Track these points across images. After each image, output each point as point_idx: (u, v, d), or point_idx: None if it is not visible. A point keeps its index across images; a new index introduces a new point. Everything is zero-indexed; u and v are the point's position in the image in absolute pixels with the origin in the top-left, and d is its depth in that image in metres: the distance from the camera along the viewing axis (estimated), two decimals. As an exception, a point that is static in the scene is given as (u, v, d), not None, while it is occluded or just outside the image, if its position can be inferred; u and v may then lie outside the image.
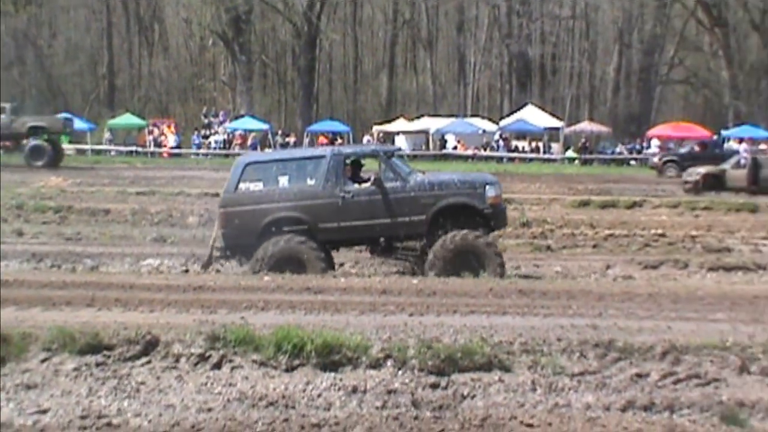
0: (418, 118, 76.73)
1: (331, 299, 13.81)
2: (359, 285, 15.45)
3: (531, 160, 65.25)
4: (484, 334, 10.98)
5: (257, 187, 18.13)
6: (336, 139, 70.40)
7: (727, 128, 69.95)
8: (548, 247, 23.72)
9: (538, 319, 12.28)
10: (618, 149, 69.10)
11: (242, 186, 18.17)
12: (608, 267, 20.05)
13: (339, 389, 9.68)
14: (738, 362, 10.14)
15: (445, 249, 17.40)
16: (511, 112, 76.15)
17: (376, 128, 73.83)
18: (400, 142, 70.59)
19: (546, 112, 74.26)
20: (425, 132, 71.32)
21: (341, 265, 19.40)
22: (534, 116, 71.04)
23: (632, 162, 66.64)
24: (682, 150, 56.91)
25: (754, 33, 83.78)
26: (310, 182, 18.13)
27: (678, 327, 11.62)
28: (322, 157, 18.53)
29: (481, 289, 14.88)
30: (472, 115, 78.88)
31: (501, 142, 68.08)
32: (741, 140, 63.98)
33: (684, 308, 13.33)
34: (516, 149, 68.20)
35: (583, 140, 69.75)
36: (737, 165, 41.07)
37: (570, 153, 67.79)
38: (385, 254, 19.30)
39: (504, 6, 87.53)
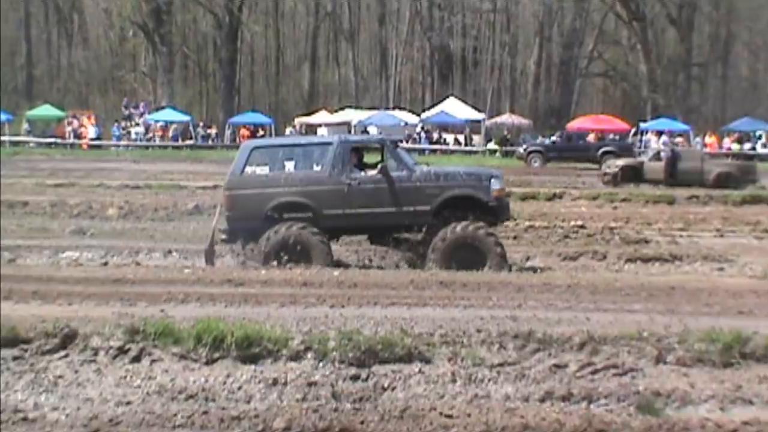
0: (340, 110, 76.70)
1: (251, 291, 13.75)
2: (280, 277, 15.39)
3: (453, 152, 65.41)
4: (404, 326, 11.00)
5: (263, 171, 18.12)
6: (258, 131, 70.09)
7: (645, 121, 70.84)
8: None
9: (459, 311, 12.32)
10: (539, 141, 69.56)
11: (248, 169, 18.15)
12: (528, 258, 20.17)
13: (259, 382, 9.65)
14: (654, 352, 10.26)
15: (447, 240, 17.43)
16: (433, 105, 76.51)
17: (298, 120, 73.71)
18: (322, 133, 70.52)
19: (467, 104, 74.70)
20: (347, 124, 71.17)
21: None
22: (455, 108, 71.39)
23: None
24: (546, 141, 58.77)
25: (671, 27, 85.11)
26: (317, 168, 18.18)
27: (596, 318, 11.73)
28: (329, 143, 18.64)
29: (402, 281, 14.92)
30: (394, 108, 79.02)
31: (423, 134, 68.22)
32: (660, 133, 64.91)
33: (602, 299, 13.46)
34: (439, 141, 68.35)
35: (504, 132, 70.18)
36: (655, 157, 41.61)
37: (491, 145, 68.13)
38: (385, 243, 19.33)
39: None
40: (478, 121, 70.34)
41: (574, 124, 69.80)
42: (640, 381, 9.74)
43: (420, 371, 9.91)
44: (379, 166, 18.38)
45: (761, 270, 17.61)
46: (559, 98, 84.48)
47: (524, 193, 32.97)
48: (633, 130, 66.85)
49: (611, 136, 63.36)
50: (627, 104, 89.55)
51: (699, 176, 38.38)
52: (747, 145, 65.87)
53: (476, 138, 69.46)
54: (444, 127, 69.85)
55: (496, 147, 67.19)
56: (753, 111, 79.41)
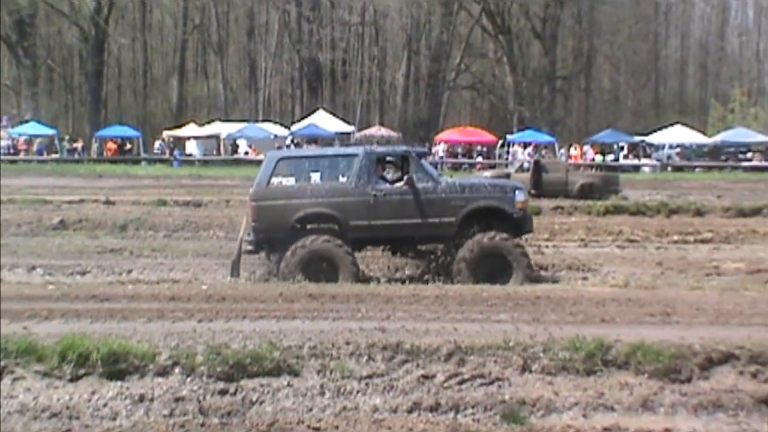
0: (209, 123, 75.98)
1: (118, 307, 13.53)
2: (147, 292, 15.18)
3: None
4: (273, 339, 10.95)
5: (289, 182, 18.27)
6: (125, 145, 69.11)
7: (511, 133, 71.89)
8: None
9: (328, 323, 12.30)
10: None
11: (274, 180, 18.27)
12: (397, 270, 20.26)
13: (125, 398, 9.52)
14: (520, 361, 10.40)
15: (475, 250, 17.66)
16: (303, 117, 76.37)
17: (166, 133, 72.77)
18: (191, 147, 69.90)
19: (337, 117, 74.83)
20: (216, 137, 70.65)
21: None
22: (325, 121, 71.44)
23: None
24: None
25: (536, 41, 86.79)
26: (342, 179, 18.35)
27: (463, 328, 11.81)
28: (355, 155, 18.70)
29: (271, 294, 14.85)
30: (264, 120, 78.64)
31: (293, 147, 68.05)
32: (525, 145, 65.98)
33: (469, 310, 13.56)
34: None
35: (375, 144, 70.34)
36: (521, 169, 42.25)
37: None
38: (406, 254, 19.71)
39: (294, 12, 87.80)
40: (348, 134, 70.45)
41: (443, 136, 70.48)
42: (506, 390, 9.88)
43: (288, 384, 9.89)
44: (406, 177, 18.49)
45: (623, 279, 17.99)
46: (427, 110, 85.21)
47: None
48: (500, 142, 67.80)
49: (479, 147, 64.20)
50: (494, 116, 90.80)
51: (563, 187, 39.08)
52: (610, 157, 67.36)
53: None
54: (314, 140, 69.83)
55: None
56: (615, 123, 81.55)
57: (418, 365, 10.36)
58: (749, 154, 67.90)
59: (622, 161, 66.89)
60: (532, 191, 38.33)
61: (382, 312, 13.21)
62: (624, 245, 24.92)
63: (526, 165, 43.11)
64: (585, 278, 19.55)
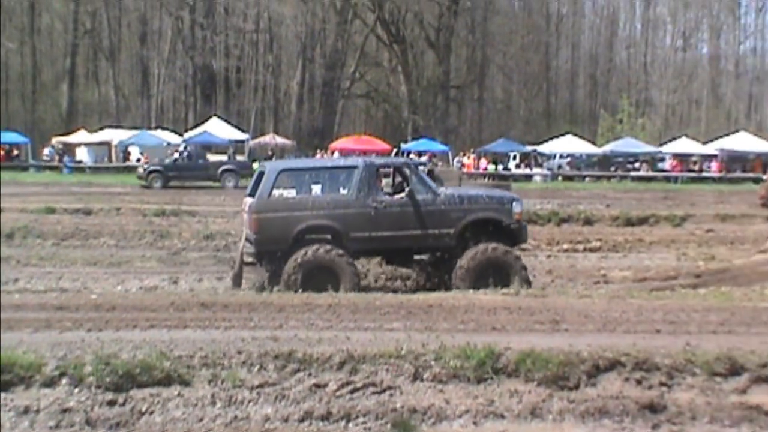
0: (100, 129, 74.94)
1: (3, 317, 13.23)
2: (34, 301, 14.92)
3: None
4: (163, 349, 10.81)
5: (290, 194, 18.35)
6: (12, 151, 67.81)
7: (406, 141, 72.29)
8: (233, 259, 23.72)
9: (219, 332, 12.20)
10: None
11: (275, 192, 18.31)
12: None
13: (9, 410, 9.32)
14: (412, 370, 10.44)
15: (476, 261, 17.96)
16: (196, 125, 75.81)
17: (56, 139, 71.58)
18: (82, 154, 68.85)
19: (231, 124, 74.41)
20: (108, 144, 69.74)
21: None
22: (219, 129, 71.01)
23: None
24: (167, 161, 55.10)
25: (430, 50, 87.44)
26: (343, 191, 18.47)
27: (356, 337, 11.81)
28: (355, 167, 18.78)
29: (162, 303, 14.70)
30: (157, 127, 77.85)
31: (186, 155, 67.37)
32: (420, 153, 66.35)
33: (362, 318, 13.57)
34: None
35: (269, 153, 70.18)
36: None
37: (256, 165, 67.80)
38: (406, 265, 20.00)
39: (188, 18, 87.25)
40: (242, 142, 70.10)
41: (337, 145, 70.53)
42: (398, 398, 9.89)
43: (179, 394, 9.79)
44: (407, 189, 18.65)
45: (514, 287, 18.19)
46: (322, 119, 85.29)
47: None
48: (395, 151, 68.11)
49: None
50: (389, 125, 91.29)
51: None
52: (502, 166, 68.12)
53: (240, 158, 69.15)
54: (207, 147, 69.28)
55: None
56: (507, 132, 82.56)
57: (310, 374, 10.33)
58: (637, 164, 69.30)
59: (514, 170, 67.69)
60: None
61: (274, 321, 13.15)
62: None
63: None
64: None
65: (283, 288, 17.35)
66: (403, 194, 18.71)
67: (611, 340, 11.70)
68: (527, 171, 67.75)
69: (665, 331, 12.76)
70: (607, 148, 72.21)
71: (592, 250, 26.53)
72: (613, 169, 69.40)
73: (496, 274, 17.87)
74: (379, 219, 18.37)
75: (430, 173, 41.37)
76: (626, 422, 9.56)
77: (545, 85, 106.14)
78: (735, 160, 71.02)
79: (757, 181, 51.54)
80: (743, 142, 72.65)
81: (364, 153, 66.87)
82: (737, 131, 79.09)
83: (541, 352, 10.67)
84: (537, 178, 65.30)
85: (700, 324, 13.32)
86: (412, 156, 65.48)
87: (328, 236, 18.19)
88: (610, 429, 9.45)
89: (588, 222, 32.58)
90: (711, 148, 71.87)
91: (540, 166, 69.15)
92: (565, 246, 26.91)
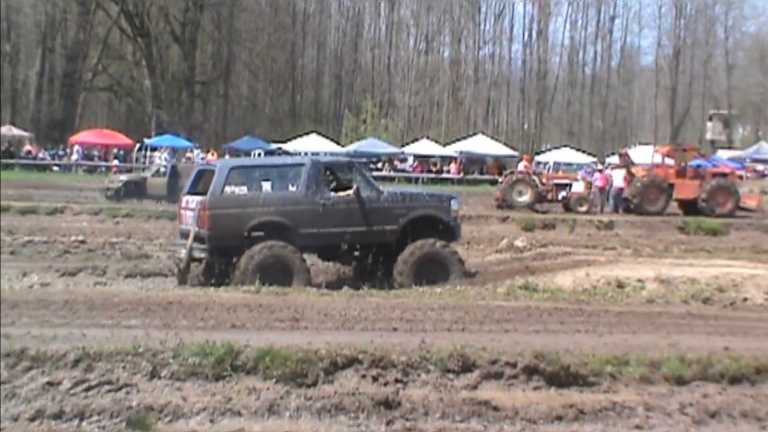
0: None
1: None
2: None
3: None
4: None
5: (242, 191, 18.81)
6: None
7: (149, 137, 71.23)
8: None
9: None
10: (42, 155, 67.50)
11: (227, 189, 18.70)
12: (25, 274, 19.67)
13: None
14: (149, 367, 10.33)
15: (415, 256, 19.05)
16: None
17: None
18: None
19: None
20: None
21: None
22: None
23: (55, 168, 65.47)
24: None
25: (175, 45, 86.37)
26: (292, 188, 19.10)
27: (93, 334, 11.57)
28: (302, 165, 19.62)
29: None
30: None
31: None
32: (160, 149, 65.56)
33: (99, 315, 13.32)
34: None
35: (7, 145, 67.70)
36: (157, 173, 41.98)
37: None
38: (346, 262, 20.80)
39: None
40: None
41: (78, 138, 68.78)
42: (134, 396, 9.77)
43: None
44: (354, 186, 19.45)
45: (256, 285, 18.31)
46: (62, 111, 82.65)
47: (24, 207, 32.11)
48: (138, 146, 67.06)
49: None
50: (132, 119, 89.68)
51: (200, 192, 39.06)
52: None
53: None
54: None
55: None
56: (253, 130, 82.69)
57: (43, 372, 10.06)
58: (380, 164, 70.58)
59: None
60: (171, 196, 38.31)
61: (6, 318, 12.69)
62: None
63: (162, 170, 42.83)
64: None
65: (237, 283, 17.59)
66: (350, 192, 19.45)
67: (350, 337, 11.92)
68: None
69: (402, 328, 13.12)
70: (351, 147, 73.22)
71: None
72: (356, 168, 70.32)
73: (434, 268, 19.07)
74: (327, 215, 19.17)
75: (173, 169, 41.15)
76: (362, 418, 9.74)
77: (291, 83, 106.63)
78: (473, 162, 73.52)
79: (493, 183, 53.31)
80: (481, 144, 75.37)
81: (107, 147, 65.74)
82: (476, 134, 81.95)
83: (280, 349, 10.74)
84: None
85: (435, 322, 13.76)
86: (158, 152, 64.68)
87: (279, 232, 18.67)
88: (346, 425, 9.61)
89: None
90: (451, 150, 74.13)
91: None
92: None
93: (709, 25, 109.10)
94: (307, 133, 76.48)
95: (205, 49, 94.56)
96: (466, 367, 10.88)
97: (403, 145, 77.45)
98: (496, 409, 10.09)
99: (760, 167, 74.81)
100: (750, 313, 16.12)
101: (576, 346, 11.88)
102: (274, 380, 10.30)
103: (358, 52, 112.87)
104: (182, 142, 69.68)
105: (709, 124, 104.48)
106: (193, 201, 19.14)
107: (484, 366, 10.91)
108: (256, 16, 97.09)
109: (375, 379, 10.56)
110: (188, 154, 65.31)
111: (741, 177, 58.17)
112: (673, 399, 10.52)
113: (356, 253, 20.42)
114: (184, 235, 19.30)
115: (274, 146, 71.53)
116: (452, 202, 20.54)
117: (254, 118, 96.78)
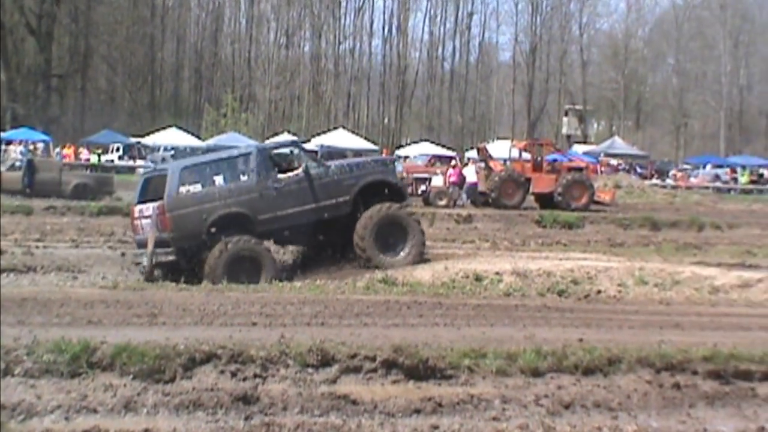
0: None
1: None
2: None
3: None
4: None
5: (196, 189, 19.05)
6: None
7: (5, 130, 69.55)
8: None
9: None
10: None
11: (182, 189, 18.92)
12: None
13: None
14: (2, 365, 10.12)
15: (373, 220, 19.65)
16: None
17: None
18: None
19: None
20: None
21: None
22: None
23: None
24: None
25: (31, 37, 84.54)
26: (244, 178, 19.49)
27: (-58, 332, 11.30)
28: (249, 153, 20.02)
29: None
30: None
31: None
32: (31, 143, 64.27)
33: (-50, 313, 13.02)
34: None
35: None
36: (12, 167, 41.04)
37: None
38: (304, 243, 21.40)
39: None
40: None
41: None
42: (-15, 395, 9.57)
43: None
44: (303, 165, 20.02)
45: (112, 280, 18.07)
46: None
47: None
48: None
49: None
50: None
51: (57, 187, 38.42)
52: (105, 157, 67.08)
53: None
54: None
55: None
56: (111, 124, 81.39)
57: None
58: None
59: (117, 162, 66.87)
60: (27, 191, 37.58)
61: None
62: (115, 246, 24.95)
63: (18, 164, 41.88)
64: (75, 278, 19.67)
65: (206, 279, 17.68)
66: (298, 171, 19.93)
67: (209, 332, 11.88)
68: (131, 163, 66.95)
69: (261, 323, 13.12)
70: (211, 141, 72.75)
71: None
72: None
73: (395, 231, 19.86)
74: (282, 198, 19.70)
75: (30, 163, 40.28)
76: (220, 414, 9.70)
77: (150, 77, 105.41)
78: (334, 156, 73.41)
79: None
80: (342, 138, 75.70)
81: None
82: (336, 128, 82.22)
83: (137, 345, 10.62)
84: (140, 171, 64.72)
85: (294, 316, 13.79)
86: (12, 145, 63.19)
87: (240, 222, 19.05)
88: (204, 421, 9.55)
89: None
90: (312, 144, 74.14)
91: (143, 158, 68.49)
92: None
93: (564, 22, 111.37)
94: (166, 127, 75.68)
95: (62, 42, 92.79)
96: (326, 361, 10.89)
97: (264, 140, 77.20)
98: (354, 403, 10.13)
99: (613, 162, 76.70)
100: (603, 306, 16.60)
101: (434, 339, 12.01)
102: (131, 377, 10.17)
103: (219, 46, 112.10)
104: (39, 136, 68.23)
105: (565, 119, 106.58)
106: (148, 208, 19.28)
107: (344, 360, 10.95)
108: (114, 8, 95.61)
109: (234, 374, 10.51)
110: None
111: (596, 171, 59.51)
112: (528, 391, 10.72)
113: (312, 233, 20.75)
114: (141, 244, 19.44)
115: (133, 140, 70.59)
116: (396, 163, 21.09)
117: (113, 111, 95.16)
